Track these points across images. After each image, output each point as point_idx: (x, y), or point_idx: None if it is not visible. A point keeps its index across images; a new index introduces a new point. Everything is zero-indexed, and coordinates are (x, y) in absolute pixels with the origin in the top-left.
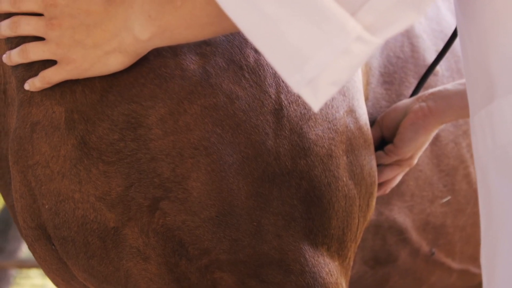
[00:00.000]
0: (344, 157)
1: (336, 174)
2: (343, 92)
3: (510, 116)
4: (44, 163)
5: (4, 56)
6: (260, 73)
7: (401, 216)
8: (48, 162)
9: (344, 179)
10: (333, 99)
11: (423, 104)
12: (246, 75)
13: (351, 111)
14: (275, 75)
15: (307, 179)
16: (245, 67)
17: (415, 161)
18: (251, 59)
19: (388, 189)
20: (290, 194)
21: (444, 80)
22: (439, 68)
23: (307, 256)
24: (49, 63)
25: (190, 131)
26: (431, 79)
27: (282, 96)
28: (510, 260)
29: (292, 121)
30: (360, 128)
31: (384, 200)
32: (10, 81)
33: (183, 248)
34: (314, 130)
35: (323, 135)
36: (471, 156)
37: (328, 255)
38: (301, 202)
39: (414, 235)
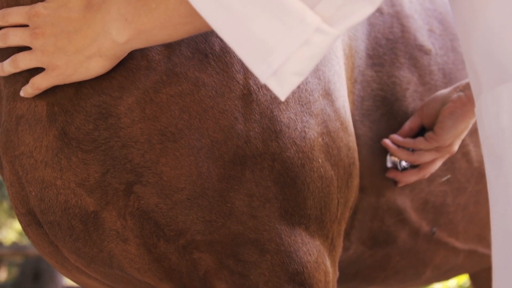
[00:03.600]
0: (320, 139)
1: (311, 155)
2: (318, 76)
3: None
4: (29, 153)
5: None
6: (226, 60)
7: (402, 197)
8: (32, 152)
9: (320, 160)
10: (307, 82)
11: (461, 93)
12: (212, 62)
13: (327, 94)
14: (242, 62)
15: (280, 161)
16: (210, 55)
17: (456, 148)
18: (217, 47)
19: (427, 173)
20: (263, 175)
21: (438, 59)
22: (432, 47)
23: (283, 236)
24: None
25: (156, 118)
26: (423, 58)
27: (251, 82)
28: None
29: (262, 105)
30: (336, 111)
31: (386, 181)
32: None
33: (160, 229)
34: (286, 113)
35: (296, 118)
36: (470, 134)
37: (307, 234)
38: (274, 183)
39: (413, 215)
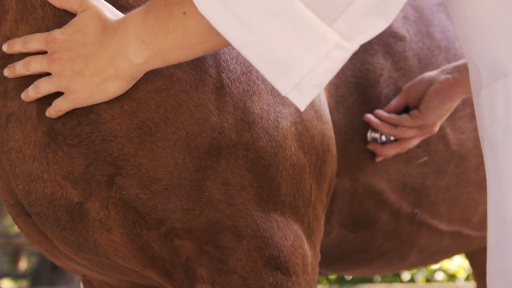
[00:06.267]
0: (293, 128)
1: (283, 144)
2: None
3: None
4: (18, 148)
5: (22, 94)
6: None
7: (376, 178)
8: (21, 147)
9: (293, 148)
10: None
11: (449, 75)
12: None
13: None
14: (215, 57)
15: (253, 150)
16: None
17: (437, 128)
18: None
19: (405, 148)
20: (237, 165)
21: (413, 45)
22: (406, 33)
23: (259, 222)
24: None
25: (134, 113)
26: (398, 44)
27: (223, 75)
28: None
29: (235, 97)
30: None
31: (359, 166)
32: None
33: (141, 218)
34: (258, 105)
35: (269, 109)
36: (447, 118)
37: (283, 220)
38: (249, 172)
39: (392, 196)
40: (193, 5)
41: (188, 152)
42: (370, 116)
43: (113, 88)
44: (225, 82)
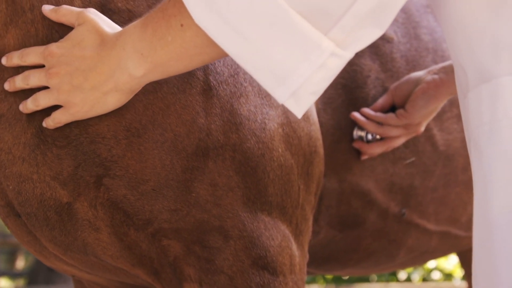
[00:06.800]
0: (280, 130)
1: (270, 145)
2: None
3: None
4: (7, 150)
5: (20, 105)
6: None
7: (364, 178)
8: (10, 149)
9: (280, 150)
10: None
11: (436, 76)
12: None
13: None
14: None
15: (240, 152)
16: None
17: (422, 128)
18: None
19: (391, 147)
20: (225, 166)
21: (401, 47)
22: (394, 35)
23: (246, 223)
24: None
25: (122, 115)
26: (385, 46)
27: (211, 78)
28: (505, 232)
29: (222, 99)
30: None
31: (346, 166)
32: None
33: (129, 218)
34: (245, 106)
35: (256, 110)
36: (434, 119)
37: (270, 220)
38: (236, 173)
39: (380, 196)
40: (190, 17)
41: (175, 154)
42: (356, 114)
43: (112, 101)
44: (212, 84)
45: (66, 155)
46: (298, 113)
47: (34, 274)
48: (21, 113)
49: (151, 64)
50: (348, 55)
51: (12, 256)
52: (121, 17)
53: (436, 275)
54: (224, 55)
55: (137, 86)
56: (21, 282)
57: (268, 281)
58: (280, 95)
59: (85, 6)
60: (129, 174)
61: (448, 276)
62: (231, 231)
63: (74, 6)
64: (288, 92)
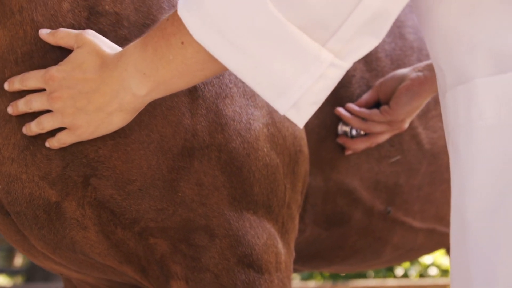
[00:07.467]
0: (265, 130)
1: (256, 145)
2: None
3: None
4: None
5: (23, 128)
6: None
7: (349, 176)
8: (0, 149)
9: (265, 149)
10: None
11: (420, 73)
12: None
13: None
14: None
15: (226, 152)
16: None
17: (406, 125)
18: None
19: (375, 142)
20: (210, 165)
21: (386, 46)
22: None
23: (232, 221)
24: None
25: None
26: None
27: None
28: (480, 233)
29: (207, 100)
30: None
31: (332, 165)
32: None
33: (116, 217)
34: (231, 107)
35: (241, 111)
36: (419, 117)
37: (256, 219)
38: (222, 172)
39: (365, 194)
40: (189, 34)
41: (161, 154)
42: (341, 110)
43: (117, 121)
44: (198, 85)
45: (55, 155)
46: (300, 123)
47: (32, 271)
48: (10, 114)
49: (154, 83)
50: (347, 64)
51: (10, 254)
52: (108, 20)
53: (433, 271)
54: (226, 69)
55: (141, 105)
56: (19, 279)
57: (253, 279)
58: (281, 106)
59: (73, 8)
60: (115, 174)
61: (445, 272)
62: (216, 230)
63: (63, 9)
64: (289, 103)
